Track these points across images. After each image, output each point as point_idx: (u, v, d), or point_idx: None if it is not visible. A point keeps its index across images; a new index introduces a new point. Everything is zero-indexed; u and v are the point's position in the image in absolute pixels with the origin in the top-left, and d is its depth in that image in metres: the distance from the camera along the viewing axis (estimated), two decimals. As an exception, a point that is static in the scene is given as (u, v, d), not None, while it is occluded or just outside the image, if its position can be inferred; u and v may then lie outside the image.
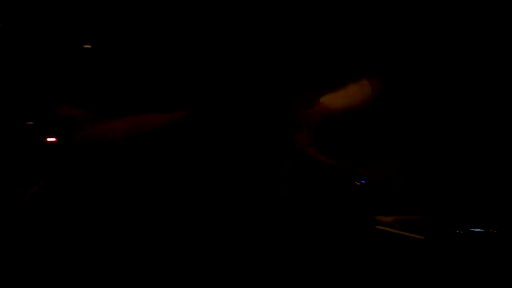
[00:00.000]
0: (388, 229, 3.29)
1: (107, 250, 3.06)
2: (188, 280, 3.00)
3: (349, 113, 3.48)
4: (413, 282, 3.05)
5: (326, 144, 3.50)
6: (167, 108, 3.49)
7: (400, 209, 3.34)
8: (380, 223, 3.31)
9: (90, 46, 3.53)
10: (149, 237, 3.13)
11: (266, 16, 3.65)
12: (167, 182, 3.32)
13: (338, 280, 3.10)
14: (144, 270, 3.01)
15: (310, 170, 3.47)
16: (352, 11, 3.57)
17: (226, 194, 3.35)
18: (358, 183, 3.41)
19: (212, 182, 3.39)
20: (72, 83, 3.54)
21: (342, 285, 3.10)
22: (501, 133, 3.43)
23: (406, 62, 3.50)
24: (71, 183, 3.30)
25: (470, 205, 3.30)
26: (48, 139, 3.42)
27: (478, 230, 3.16)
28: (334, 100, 3.53)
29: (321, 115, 3.49)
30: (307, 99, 3.53)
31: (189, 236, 3.17)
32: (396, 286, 3.07)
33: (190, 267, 3.05)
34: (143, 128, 3.41)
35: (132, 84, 3.56)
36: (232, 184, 3.39)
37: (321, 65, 3.58)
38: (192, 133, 3.49)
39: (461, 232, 3.17)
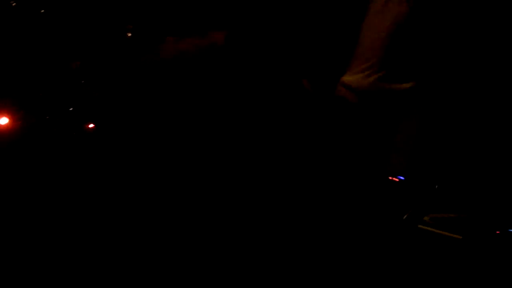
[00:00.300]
0: (425, 227, 3.27)
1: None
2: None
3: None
4: (448, 281, 3.03)
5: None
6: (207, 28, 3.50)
7: (437, 207, 3.32)
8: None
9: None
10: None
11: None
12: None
13: (373, 277, 3.09)
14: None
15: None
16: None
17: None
18: (397, 179, 3.39)
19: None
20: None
21: (376, 281, 3.09)
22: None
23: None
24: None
25: (509, 205, 3.28)
26: (87, 125, 3.44)
27: (517, 231, 3.14)
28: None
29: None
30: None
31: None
32: (431, 285, 3.05)
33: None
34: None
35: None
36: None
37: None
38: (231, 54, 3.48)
39: (499, 232, 3.15)
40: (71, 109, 3.42)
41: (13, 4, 3.22)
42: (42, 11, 3.34)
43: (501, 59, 3.34)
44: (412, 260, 3.13)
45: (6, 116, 3.29)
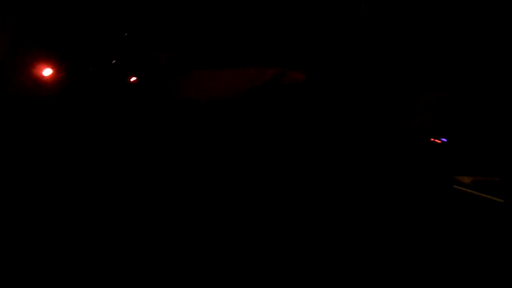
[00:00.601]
0: (466, 189, 3.28)
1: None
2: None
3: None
4: (488, 245, 3.05)
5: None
6: (259, 62, 3.29)
7: (480, 170, 3.32)
8: (459, 183, 3.30)
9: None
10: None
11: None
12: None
13: (413, 239, 3.11)
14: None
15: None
16: None
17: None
18: (439, 141, 3.38)
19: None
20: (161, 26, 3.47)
21: (417, 244, 3.11)
22: None
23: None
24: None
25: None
26: (130, 79, 3.41)
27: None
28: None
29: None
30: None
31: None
32: (471, 248, 3.07)
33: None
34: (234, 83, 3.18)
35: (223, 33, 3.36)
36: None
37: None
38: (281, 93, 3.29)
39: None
40: (114, 61, 3.40)
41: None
42: None
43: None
44: (451, 222, 3.16)
45: (50, 67, 3.28)
